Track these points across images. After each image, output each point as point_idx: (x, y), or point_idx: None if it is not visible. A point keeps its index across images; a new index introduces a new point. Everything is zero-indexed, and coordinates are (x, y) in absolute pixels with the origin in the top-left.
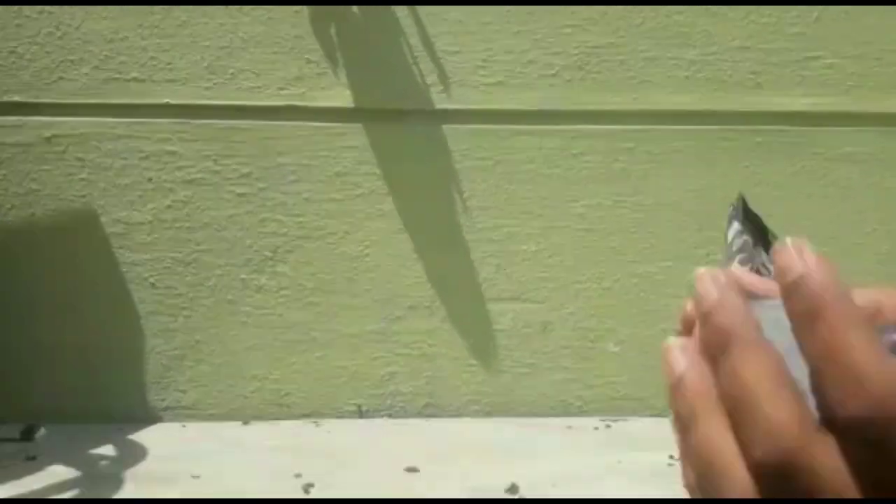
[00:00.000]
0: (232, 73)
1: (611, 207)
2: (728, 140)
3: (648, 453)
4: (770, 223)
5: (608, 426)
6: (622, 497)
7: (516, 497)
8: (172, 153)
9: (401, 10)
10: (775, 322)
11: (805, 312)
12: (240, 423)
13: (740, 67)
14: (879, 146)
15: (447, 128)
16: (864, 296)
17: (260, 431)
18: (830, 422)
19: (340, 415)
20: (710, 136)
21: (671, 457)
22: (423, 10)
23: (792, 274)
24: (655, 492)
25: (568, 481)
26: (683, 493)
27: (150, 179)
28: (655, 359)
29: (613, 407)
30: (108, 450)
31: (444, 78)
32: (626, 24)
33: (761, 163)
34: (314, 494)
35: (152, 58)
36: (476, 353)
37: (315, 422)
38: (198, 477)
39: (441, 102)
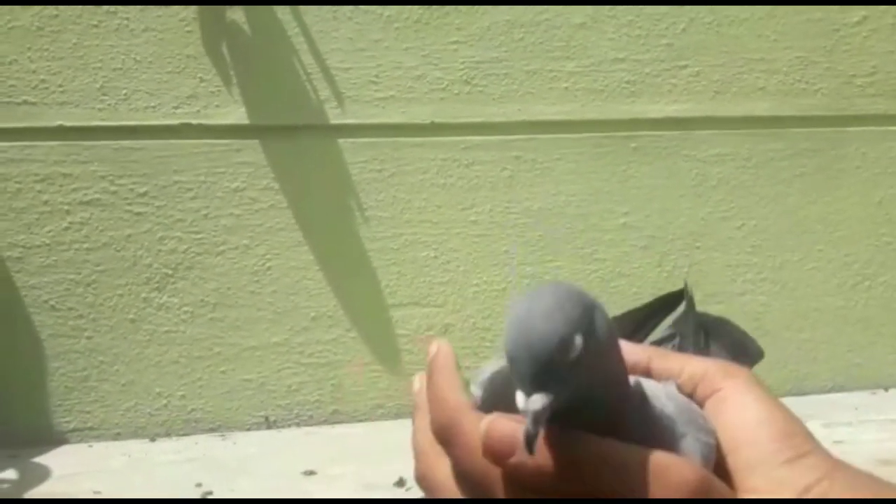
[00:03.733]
0: (125, 94)
1: (501, 213)
2: (606, 146)
3: None
4: (648, 223)
5: None
6: None
7: (405, 487)
8: (67, 175)
9: (292, 29)
10: (667, 392)
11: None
12: (147, 440)
13: (615, 77)
14: (745, 147)
15: (342, 142)
16: (635, 353)
17: (166, 447)
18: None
19: (248, 427)
20: (589, 143)
21: None
22: (314, 28)
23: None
24: None
25: None
26: None
27: (45, 202)
28: None
29: None
30: (9, 474)
31: (337, 93)
32: (509, 40)
33: (637, 166)
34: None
35: (43, 80)
36: (380, 359)
37: (222, 435)
38: (99, 492)
39: (335, 117)
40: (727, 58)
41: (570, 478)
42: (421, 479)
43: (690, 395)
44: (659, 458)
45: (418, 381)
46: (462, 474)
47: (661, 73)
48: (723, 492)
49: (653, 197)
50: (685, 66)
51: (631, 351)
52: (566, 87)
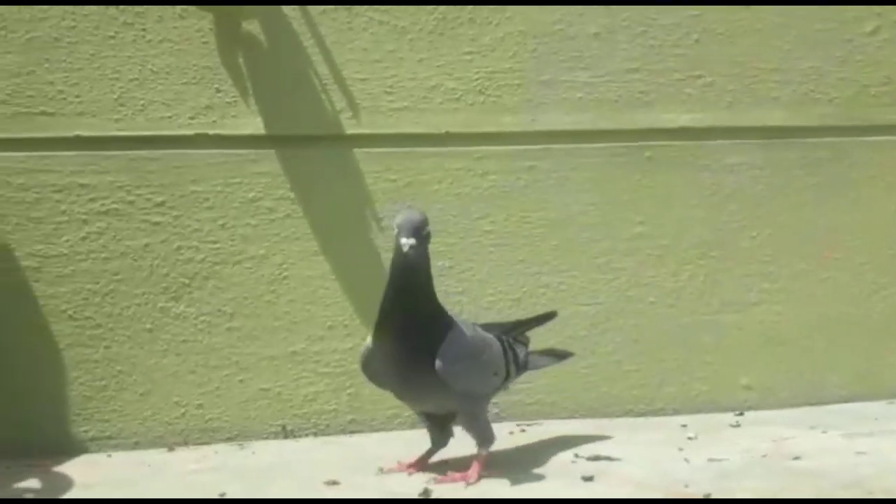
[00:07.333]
0: (142, 105)
1: (517, 223)
2: (620, 156)
3: (557, 452)
4: (663, 232)
5: (523, 430)
6: (532, 496)
7: (430, 498)
8: (85, 185)
9: (307, 40)
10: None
11: None
12: (164, 449)
13: (630, 88)
14: (758, 156)
15: (357, 151)
16: None
17: (185, 456)
18: None
19: (266, 436)
20: (604, 152)
21: (576, 455)
22: (329, 39)
23: None
24: (561, 486)
25: (479, 482)
26: (580, 487)
27: (63, 212)
28: (566, 364)
29: (529, 412)
30: (32, 483)
31: (352, 104)
32: (522, 50)
33: (652, 176)
34: None
35: (60, 91)
36: None
37: (240, 444)
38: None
39: (350, 128)
40: (741, 68)
41: None
42: None
43: None
44: None
45: None
46: None
47: (675, 84)
48: None
49: (668, 206)
50: (699, 77)
51: None
52: (580, 98)
